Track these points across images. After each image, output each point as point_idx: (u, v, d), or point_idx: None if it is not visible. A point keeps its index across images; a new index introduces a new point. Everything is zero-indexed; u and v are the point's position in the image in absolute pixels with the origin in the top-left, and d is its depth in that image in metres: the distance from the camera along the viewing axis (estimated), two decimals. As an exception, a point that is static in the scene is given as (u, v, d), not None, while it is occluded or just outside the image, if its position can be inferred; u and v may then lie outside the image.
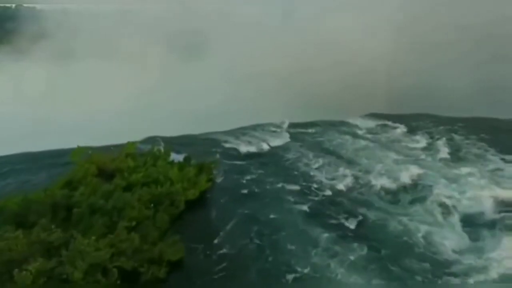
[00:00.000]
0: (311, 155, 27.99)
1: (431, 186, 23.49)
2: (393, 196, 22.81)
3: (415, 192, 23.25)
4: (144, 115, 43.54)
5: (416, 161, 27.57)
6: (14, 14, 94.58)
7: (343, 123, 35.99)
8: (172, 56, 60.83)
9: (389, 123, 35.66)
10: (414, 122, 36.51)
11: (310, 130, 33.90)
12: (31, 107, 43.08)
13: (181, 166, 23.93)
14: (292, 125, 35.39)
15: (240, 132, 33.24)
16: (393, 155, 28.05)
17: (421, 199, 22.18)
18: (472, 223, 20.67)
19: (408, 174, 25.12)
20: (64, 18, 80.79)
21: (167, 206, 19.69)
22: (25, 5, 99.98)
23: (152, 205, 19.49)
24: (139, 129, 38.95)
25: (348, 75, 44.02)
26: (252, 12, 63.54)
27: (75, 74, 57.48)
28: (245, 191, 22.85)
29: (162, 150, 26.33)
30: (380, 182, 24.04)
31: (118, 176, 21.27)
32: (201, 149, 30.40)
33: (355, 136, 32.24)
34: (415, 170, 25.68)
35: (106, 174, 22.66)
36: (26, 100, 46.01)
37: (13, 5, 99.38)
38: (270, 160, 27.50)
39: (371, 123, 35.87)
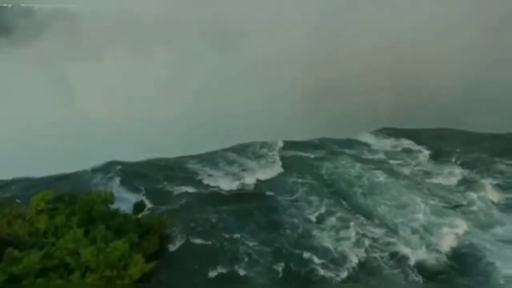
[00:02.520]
0: (310, 197, 18.77)
1: (493, 263, 14.11)
2: (438, 282, 13.52)
3: (470, 271, 13.97)
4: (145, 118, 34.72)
5: (457, 208, 18.36)
6: (11, 13, 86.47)
7: (351, 143, 26.75)
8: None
9: (409, 143, 26.26)
10: (438, 142, 27.03)
11: (310, 154, 24.67)
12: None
13: (121, 224, 14.96)
14: (288, 145, 26.14)
15: (221, 158, 24.13)
16: (424, 198, 18.74)
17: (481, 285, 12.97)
18: None
19: (451, 234, 15.88)
20: (62, 17, 72.43)
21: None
22: (22, 4, 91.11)
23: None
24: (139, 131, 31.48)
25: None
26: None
27: (60, 78, 47.89)
28: (209, 273, 13.70)
29: (103, 194, 17.24)
30: (414, 253, 14.77)
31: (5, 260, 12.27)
32: (167, 183, 21.44)
33: (369, 163, 22.97)
34: (459, 226, 16.49)
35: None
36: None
37: (10, 5, 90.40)
38: (255, 206, 18.45)
39: (386, 143, 26.65)
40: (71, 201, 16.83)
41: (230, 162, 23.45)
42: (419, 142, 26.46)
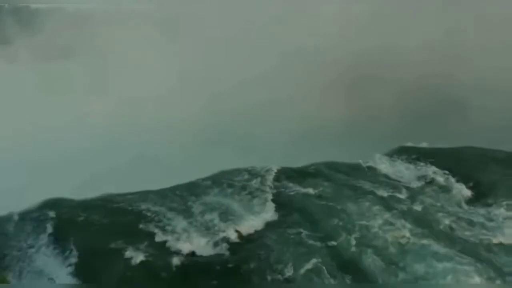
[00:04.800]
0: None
1: None
2: None
3: None
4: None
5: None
6: (8, 13, 79.82)
7: (364, 172, 19.45)
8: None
9: (439, 173, 18.74)
10: (471, 169, 19.50)
11: (310, 190, 17.41)
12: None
13: None
14: (283, 174, 18.91)
15: (194, 196, 16.96)
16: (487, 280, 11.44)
17: None
18: None
19: None
20: (61, 17, 65.78)
21: None
22: (20, 4, 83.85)
23: None
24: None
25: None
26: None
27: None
28: None
29: None
30: None
31: None
32: (111, 242, 14.31)
33: (392, 208, 15.68)
34: None
35: None
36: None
37: (6, 5, 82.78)
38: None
39: (409, 173, 19.32)
40: None
41: (204, 205, 16.27)
42: (451, 170, 19.03)
